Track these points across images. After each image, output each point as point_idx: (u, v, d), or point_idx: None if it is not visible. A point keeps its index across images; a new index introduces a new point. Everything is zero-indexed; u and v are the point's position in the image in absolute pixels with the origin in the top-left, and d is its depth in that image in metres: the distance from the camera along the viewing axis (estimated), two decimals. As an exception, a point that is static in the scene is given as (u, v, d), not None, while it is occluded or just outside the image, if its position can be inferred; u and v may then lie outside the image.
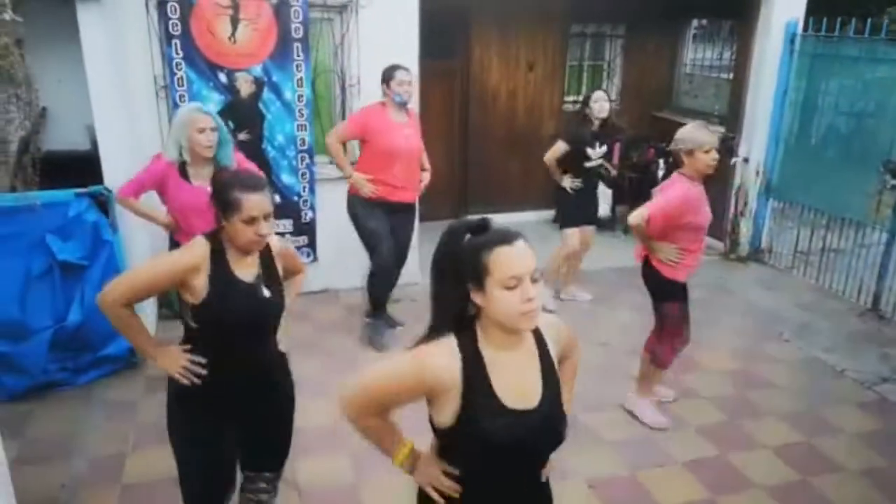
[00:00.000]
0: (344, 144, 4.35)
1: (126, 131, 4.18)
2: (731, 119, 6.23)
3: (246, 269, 2.16)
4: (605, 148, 4.94)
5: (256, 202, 2.05)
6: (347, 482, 3.23)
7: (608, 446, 3.51)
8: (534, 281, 1.52)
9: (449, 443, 1.61)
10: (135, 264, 4.11)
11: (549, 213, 7.23)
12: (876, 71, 5.29)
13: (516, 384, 1.56)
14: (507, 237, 1.53)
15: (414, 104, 4.92)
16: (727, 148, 6.11)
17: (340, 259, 5.14)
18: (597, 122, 4.84)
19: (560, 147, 4.83)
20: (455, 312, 1.56)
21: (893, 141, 5.03)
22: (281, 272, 2.31)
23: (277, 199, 4.89)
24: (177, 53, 4.41)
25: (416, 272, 5.10)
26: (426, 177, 4.49)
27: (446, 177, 6.47)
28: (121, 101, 4.09)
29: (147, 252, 4.29)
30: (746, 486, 3.23)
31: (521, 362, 1.59)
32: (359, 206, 4.35)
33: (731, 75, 6.58)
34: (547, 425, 1.58)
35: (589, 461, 3.35)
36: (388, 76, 4.17)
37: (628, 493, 3.19)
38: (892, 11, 8.72)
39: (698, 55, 7.58)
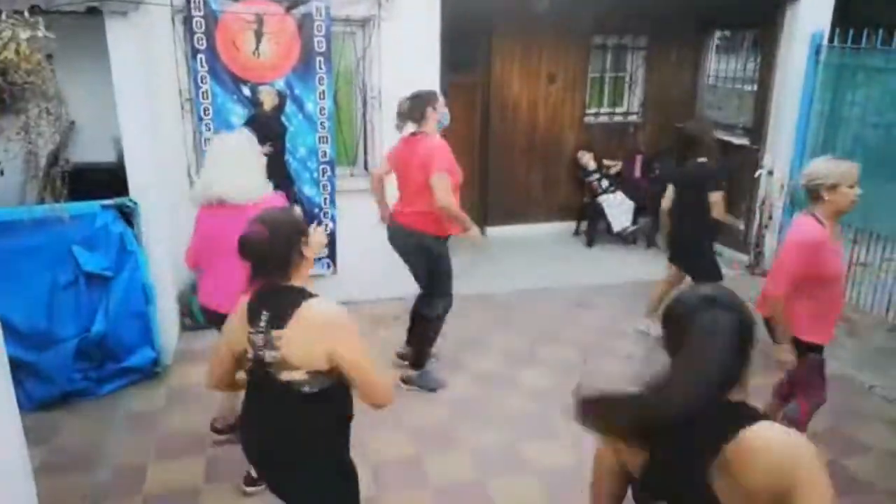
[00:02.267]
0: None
1: (152, 144, 4.24)
2: (756, 131, 6.16)
3: None
4: None
5: None
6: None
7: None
8: None
9: None
10: (158, 275, 4.15)
11: (570, 225, 7.21)
12: (905, 81, 5.20)
13: None
14: None
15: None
16: (751, 160, 6.06)
17: (361, 271, 5.15)
18: None
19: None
20: None
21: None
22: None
23: (299, 210, 4.92)
24: (202, 67, 4.48)
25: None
26: None
27: (467, 190, 6.45)
28: (147, 115, 4.16)
29: (169, 263, 4.34)
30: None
31: None
32: (442, 246, 3.95)
33: (755, 87, 6.51)
34: None
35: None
36: (431, 99, 3.84)
37: None
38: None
39: (721, 66, 7.51)
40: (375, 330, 4.87)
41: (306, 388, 1.96)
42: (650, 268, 5.83)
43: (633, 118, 7.38)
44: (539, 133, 7.01)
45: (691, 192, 4.45)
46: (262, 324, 1.98)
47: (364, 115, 5.09)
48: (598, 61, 7.22)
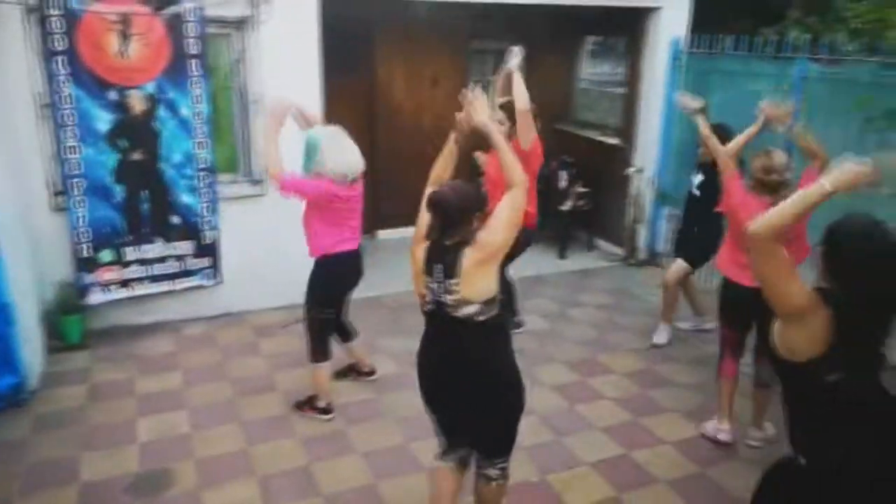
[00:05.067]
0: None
1: (5, 150, 3.92)
2: (626, 131, 6.54)
3: None
4: (700, 177, 4.72)
5: None
6: (257, 509, 3.13)
7: (517, 452, 3.56)
8: None
9: None
10: (19, 294, 3.85)
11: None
12: (754, 85, 5.69)
13: None
14: None
15: (319, 122, 4.88)
16: (622, 159, 6.44)
17: (246, 280, 5.01)
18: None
19: None
20: None
21: (770, 150, 5.42)
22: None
23: (176, 220, 4.72)
24: (61, 70, 4.18)
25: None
26: None
27: (355, 193, 6.44)
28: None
29: (31, 280, 4.03)
30: (651, 482, 3.38)
31: None
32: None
33: (625, 90, 6.91)
34: None
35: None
36: None
37: (539, 497, 3.27)
38: (766, 31, 9.42)
39: (595, 70, 7.92)
40: (261, 341, 4.75)
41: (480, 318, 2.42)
42: (535, 263, 6.05)
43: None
44: (426, 136, 7.07)
45: None
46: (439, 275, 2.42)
47: (245, 120, 4.95)
48: (479, 65, 7.41)
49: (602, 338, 5.00)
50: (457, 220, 2.41)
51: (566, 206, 6.69)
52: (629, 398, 4.16)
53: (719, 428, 3.68)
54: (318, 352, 3.75)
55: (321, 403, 3.83)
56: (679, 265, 4.80)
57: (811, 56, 5.09)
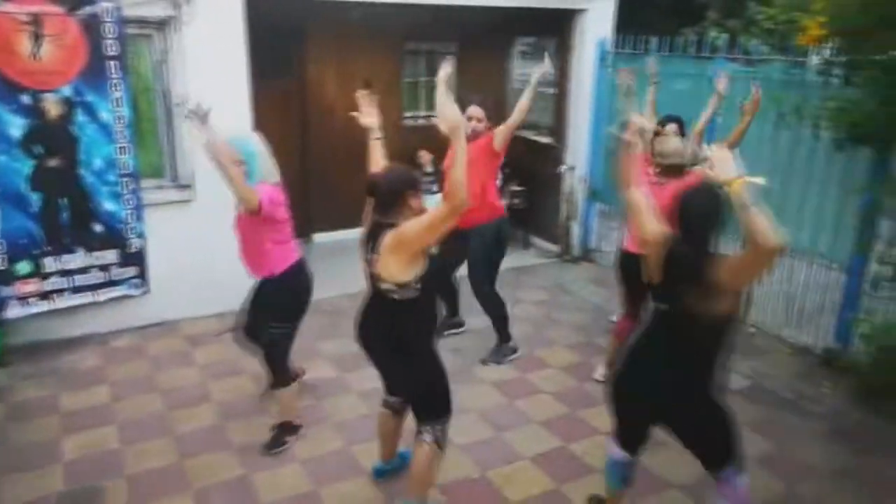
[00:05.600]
0: None
1: None
2: (557, 131, 6.67)
3: None
4: None
5: None
6: (192, 524, 3.04)
7: (457, 450, 3.60)
8: None
9: None
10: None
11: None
12: (678, 84, 5.90)
13: None
14: None
15: (246, 124, 4.80)
16: (555, 157, 6.56)
17: (176, 289, 4.85)
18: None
19: None
20: None
21: (693, 146, 5.64)
22: None
23: (99, 228, 4.54)
24: (-33, 73, 3.96)
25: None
26: None
27: (290, 197, 6.33)
28: None
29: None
30: (588, 472, 3.45)
31: None
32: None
33: (555, 90, 7.05)
34: None
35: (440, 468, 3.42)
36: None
37: (480, 493, 3.30)
38: (688, 31, 9.79)
39: (527, 71, 8.04)
40: (194, 350, 4.62)
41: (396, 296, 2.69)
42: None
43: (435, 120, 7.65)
44: (359, 138, 6.98)
45: None
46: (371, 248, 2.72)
47: (169, 123, 4.80)
48: (412, 66, 7.42)
49: (539, 334, 5.08)
50: (388, 199, 2.70)
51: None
52: (566, 392, 4.24)
53: (601, 372, 4.25)
54: (285, 372, 3.59)
55: (296, 422, 3.68)
56: None
57: (728, 56, 5.33)
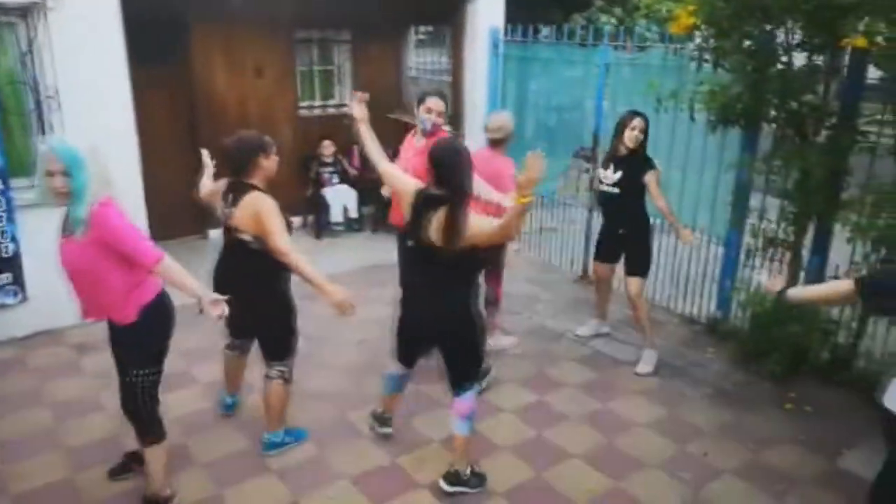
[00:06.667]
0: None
1: None
2: (454, 119, 6.73)
3: None
4: (619, 174, 4.28)
5: None
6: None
7: (365, 441, 3.61)
8: None
9: None
10: None
11: (297, 220, 7.18)
12: (568, 71, 6.12)
13: None
14: None
15: (129, 116, 4.56)
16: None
17: (57, 294, 4.50)
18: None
19: None
20: None
21: (583, 132, 5.87)
22: None
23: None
24: None
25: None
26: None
27: (181, 193, 6.06)
28: None
29: None
30: (492, 450, 3.55)
31: None
32: None
33: (451, 78, 7.12)
34: None
35: (353, 458, 3.42)
36: (419, 101, 4.13)
37: (392, 479, 3.32)
38: (576, 18, 10.14)
39: (422, 59, 8.07)
40: (82, 359, 4.36)
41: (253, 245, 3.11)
42: (377, 252, 6.09)
43: (346, 109, 7.54)
44: (252, 127, 6.70)
45: None
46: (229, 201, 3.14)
47: (40, 116, 4.46)
48: (305, 55, 7.26)
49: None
50: (238, 161, 3.12)
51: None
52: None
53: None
54: (156, 424, 3.00)
55: (166, 493, 3.08)
56: (638, 281, 4.39)
57: (613, 43, 5.56)
